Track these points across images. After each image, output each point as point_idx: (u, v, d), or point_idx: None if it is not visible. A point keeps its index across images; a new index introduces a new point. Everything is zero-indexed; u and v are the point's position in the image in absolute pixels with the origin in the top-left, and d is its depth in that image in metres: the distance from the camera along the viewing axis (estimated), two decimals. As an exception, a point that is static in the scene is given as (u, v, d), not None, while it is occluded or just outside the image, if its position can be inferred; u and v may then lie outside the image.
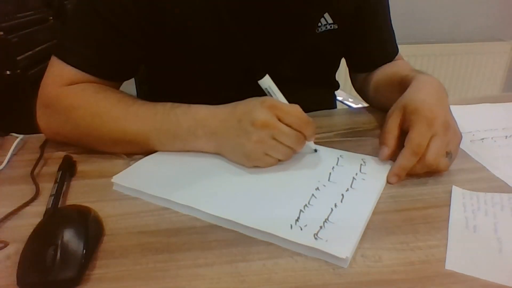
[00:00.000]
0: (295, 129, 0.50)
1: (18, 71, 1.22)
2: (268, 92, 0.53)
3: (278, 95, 0.53)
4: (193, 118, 0.53)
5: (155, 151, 0.56)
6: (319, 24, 0.68)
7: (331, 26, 0.69)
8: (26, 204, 0.46)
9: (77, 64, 0.58)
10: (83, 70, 0.59)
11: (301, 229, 0.40)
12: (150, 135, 0.54)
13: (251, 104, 0.51)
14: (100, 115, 0.55)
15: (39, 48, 1.35)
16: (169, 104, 0.55)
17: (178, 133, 0.53)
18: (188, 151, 0.55)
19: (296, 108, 0.51)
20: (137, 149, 0.56)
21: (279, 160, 0.52)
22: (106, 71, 0.61)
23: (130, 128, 0.55)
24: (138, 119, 0.55)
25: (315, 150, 0.56)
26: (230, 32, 0.65)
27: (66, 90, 0.58)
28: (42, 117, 0.60)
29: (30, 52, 1.28)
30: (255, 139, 0.49)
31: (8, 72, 1.20)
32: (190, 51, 0.67)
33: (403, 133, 0.52)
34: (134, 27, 0.60)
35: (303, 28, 0.69)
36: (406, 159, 0.49)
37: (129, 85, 0.85)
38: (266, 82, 0.53)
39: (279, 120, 0.49)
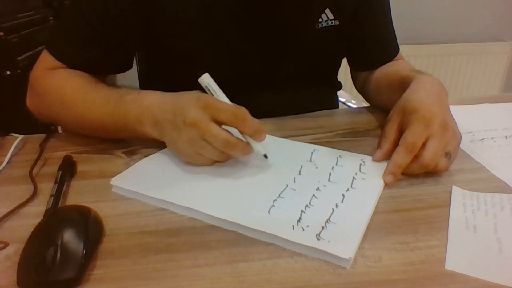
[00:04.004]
0: (231, 126, 0.48)
1: (18, 71, 1.22)
2: (208, 90, 0.51)
3: (218, 93, 0.51)
4: (140, 106, 0.53)
5: (120, 138, 0.59)
6: (320, 20, 0.68)
7: (332, 22, 0.69)
8: (24, 204, 0.46)
9: (57, 55, 0.62)
10: (62, 62, 0.63)
11: (303, 230, 0.40)
12: (105, 122, 0.56)
13: (188, 99, 0.49)
14: (64, 102, 0.59)
15: (39, 48, 1.34)
16: (123, 91, 0.57)
17: (127, 121, 0.54)
18: (141, 137, 0.56)
19: (233, 106, 0.49)
20: (100, 135, 0.59)
21: (216, 161, 0.51)
22: (84, 66, 0.63)
23: (88, 114, 0.57)
24: (94, 106, 0.57)
25: (265, 156, 0.51)
26: (226, 30, 0.65)
27: (45, 74, 0.63)
28: (28, 97, 0.65)
29: (30, 52, 1.28)
30: (184, 137, 0.48)
31: (8, 72, 1.21)
32: (183, 50, 0.66)
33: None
34: (120, 28, 0.62)
35: (304, 24, 0.68)
36: (400, 156, 0.49)
37: (133, 81, 0.86)
38: (205, 80, 0.51)
39: (214, 118, 0.48)
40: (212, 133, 0.47)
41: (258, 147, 0.51)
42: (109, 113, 0.56)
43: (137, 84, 1.04)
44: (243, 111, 0.48)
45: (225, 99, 0.51)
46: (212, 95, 0.51)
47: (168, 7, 0.62)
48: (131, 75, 0.71)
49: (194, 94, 0.50)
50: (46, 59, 0.63)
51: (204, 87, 0.51)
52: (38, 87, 0.63)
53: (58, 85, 0.61)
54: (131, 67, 0.70)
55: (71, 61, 0.63)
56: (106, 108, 0.56)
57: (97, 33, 0.62)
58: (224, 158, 0.51)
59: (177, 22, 0.63)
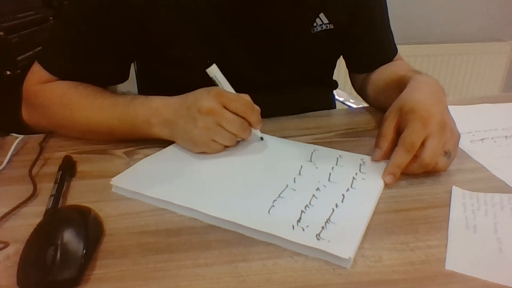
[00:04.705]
0: (240, 115, 0.53)
1: (18, 71, 1.21)
2: (214, 81, 0.57)
3: (224, 84, 0.57)
4: (148, 108, 0.56)
5: (122, 140, 0.60)
6: (315, 24, 0.68)
7: (326, 26, 0.69)
8: (24, 203, 0.46)
9: (50, 69, 0.63)
10: (56, 76, 0.63)
11: (303, 230, 0.40)
12: (112, 125, 0.58)
13: (199, 93, 0.54)
14: (70, 108, 0.60)
15: (39, 48, 1.34)
16: (130, 96, 0.59)
17: (135, 122, 0.57)
18: (146, 138, 0.58)
19: (241, 96, 0.54)
20: (105, 138, 0.61)
21: (226, 147, 0.55)
22: (78, 79, 0.63)
23: (95, 119, 0.59)
24: (102, 110, 0.59)
25: (261, 138, 0.59)
26: (220, 37, 0.64)
27: (41, 88, 0.63)
28: (24, 111, 0.66)
29: (30, 52, 1.28)
30: (201, 125, 0.52)
31: (8, 72, 1.20)
32: (178, 58, 0.66)
33: (400, 135, 0.52)
34: (114, 39, 0.62)
35: (298, 29, 0.68)
36: (399, 156, 0.49)
37: (131, 84, 0.86)
38: (213, 71, 0.57)
39: (225, 107, 0.52)
40: (228, 118, 0.52)
41: (256, 131, 0.58)
42: (117, 116, 0.58)
43: (135, 87, 1.04)
44: (249, 100, 0.54)
45: (231, 89, 0.57)
46: (217, 85, 0.56)
47: (161, 17, 0.61)
48: (129, 79, 0.72)
49: (203, 89, 0.54)
50: (38, 73, 0.63)
51: (211, 77, 0.57)
52: (37, 100, 0.63)
53: (62, 94, 0.61)
54: (127, 79, 0.70)
55: (64, 75, 0.63)
56: (114, 112, 0.58)
57: (91, 46, 0.62)
58: (234, 142, 0.55)
59: (170, 32, 0.63)
